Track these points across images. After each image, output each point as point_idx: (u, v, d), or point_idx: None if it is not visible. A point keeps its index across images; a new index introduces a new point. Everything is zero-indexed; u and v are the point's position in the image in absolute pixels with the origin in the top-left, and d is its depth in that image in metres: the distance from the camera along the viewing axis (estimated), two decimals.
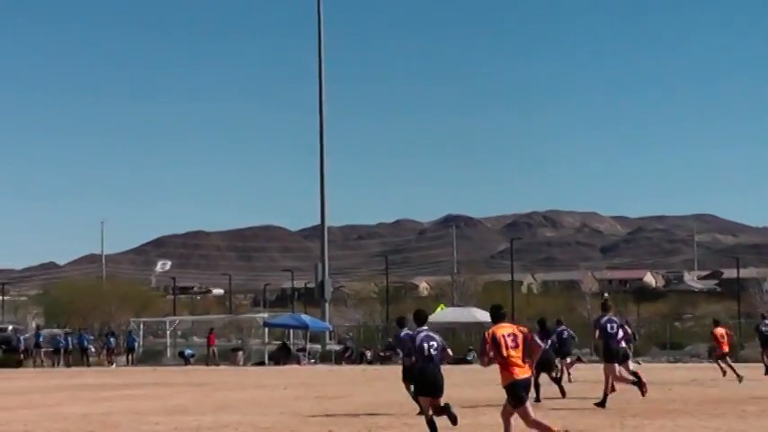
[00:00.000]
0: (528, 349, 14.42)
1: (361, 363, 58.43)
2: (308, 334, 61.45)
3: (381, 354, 58.53)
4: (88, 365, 60.77)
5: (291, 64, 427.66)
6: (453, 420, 15.59)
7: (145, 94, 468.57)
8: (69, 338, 64.79)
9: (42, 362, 61.30)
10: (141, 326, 69.63)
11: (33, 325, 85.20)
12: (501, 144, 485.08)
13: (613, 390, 23.61)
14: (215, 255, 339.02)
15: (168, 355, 65.22)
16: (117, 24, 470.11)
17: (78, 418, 22.51)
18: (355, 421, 20.63)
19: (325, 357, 60.89)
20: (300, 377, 39.00)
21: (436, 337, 15.87)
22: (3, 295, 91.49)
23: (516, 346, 14.27)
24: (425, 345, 15.69)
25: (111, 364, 60.13)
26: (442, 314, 62.74)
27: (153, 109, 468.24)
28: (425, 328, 16.00)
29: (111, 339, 61.97)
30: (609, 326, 23.26)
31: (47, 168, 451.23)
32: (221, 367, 56.33)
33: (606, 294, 26.45)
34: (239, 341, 66.58)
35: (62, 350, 62.90)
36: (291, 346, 61.46)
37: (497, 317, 14.80)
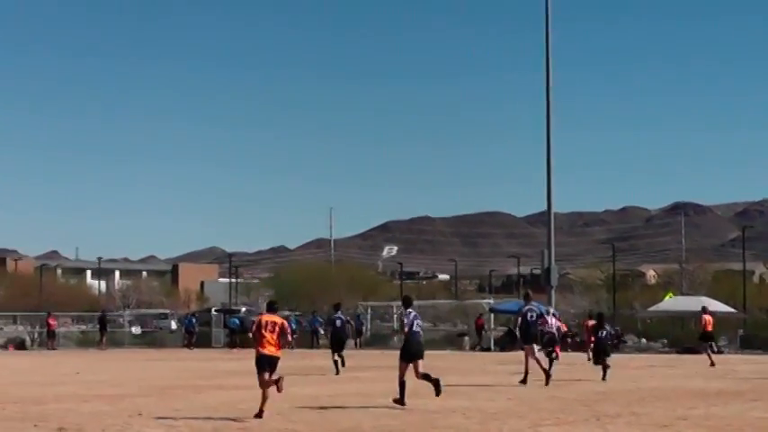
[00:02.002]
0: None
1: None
2: None
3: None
4: (318, 347, 62.17)
5: (519, 51, 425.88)
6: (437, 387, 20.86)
7: (367, 78, 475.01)
8: (298, 321, 66.58)
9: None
10: (369, 310, 70.66)
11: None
12: (733, 129, 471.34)
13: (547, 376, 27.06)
14: (440, 240, 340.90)
15: (395, 339, 65.99)
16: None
17: (309, 399, 23.01)
18: (583, 409, 20.42)
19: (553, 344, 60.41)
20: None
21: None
22: (236, 278, 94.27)
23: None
24: (415, 321, 21.12)
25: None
26: (671, 302, 61.48)
27: (380, 93, 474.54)
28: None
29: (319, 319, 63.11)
30: (529, 314, 28.49)
31: (279, 156, 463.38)
32: (446, 352, 56.61)
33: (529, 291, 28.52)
34: (465, 326, 66.81)
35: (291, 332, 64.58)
36: (517, 332, 61.27)
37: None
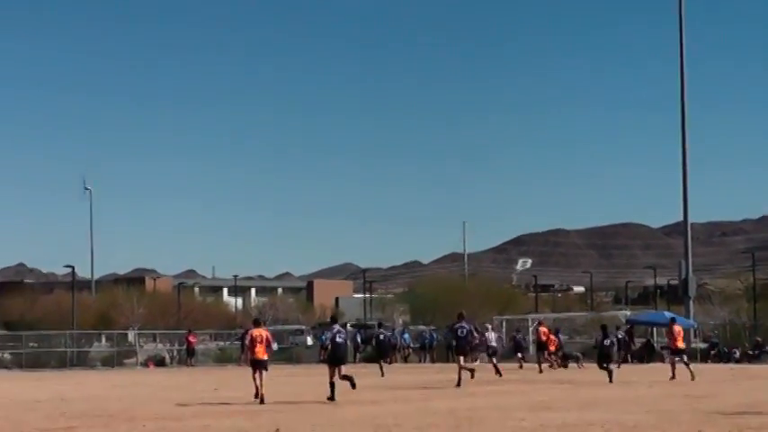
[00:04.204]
0: None
1: (728, 361, 56.70)
2: None
3: (749, 352, 56.60)
4: (454, 361, 62.03)
5: (650, 66, 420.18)
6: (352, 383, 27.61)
7: (495, 89, 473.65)
8: (435, 335, 66.57)
9: (405, 358, 63.07)
10: (503, 323, 70.32)
11: (400, 322, 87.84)
12: None
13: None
14: (575, 253, 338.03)
15: (531, 351, 65.51)
16: None
17: (446, 414, 22.95)
18: (725, 421, 19.99)
19: (690, 356, 59.39)
20: (665, 375, 38.19)
21: (343, 330, 28.53)
22: (371, 293, 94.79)
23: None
24: (337, 335, 27.70)
25: (476, 360, 61.07)
26: None
27: (506, 105, 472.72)
28: (337, 325, 28.33)
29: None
30: (459, 330, 34.74)
31: (411, 171, 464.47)
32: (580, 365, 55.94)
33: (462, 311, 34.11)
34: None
35: (427, 346, 64.63)
36: (655, 344, 60.34)
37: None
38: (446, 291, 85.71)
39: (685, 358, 38.50)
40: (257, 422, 21.55)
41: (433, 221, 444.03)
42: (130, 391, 35.32)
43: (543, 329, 51.05)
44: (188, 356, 65.31)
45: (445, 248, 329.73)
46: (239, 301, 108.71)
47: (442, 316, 77.92)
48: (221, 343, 74.19)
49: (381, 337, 48.93)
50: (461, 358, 35.10)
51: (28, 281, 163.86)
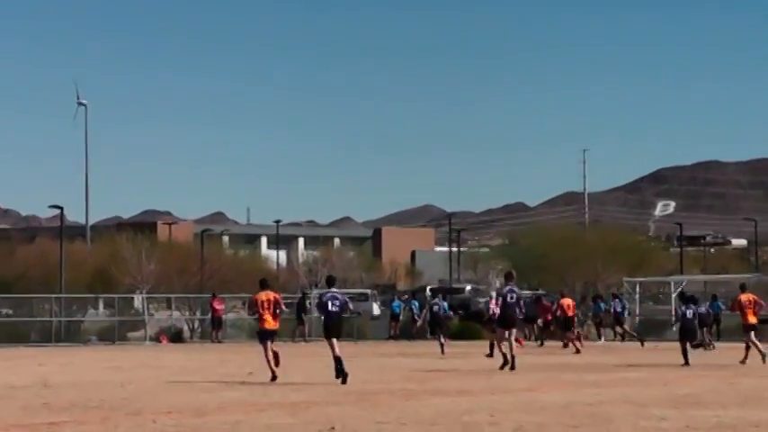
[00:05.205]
0: None
1: None
2: None
3: None
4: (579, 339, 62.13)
5: None
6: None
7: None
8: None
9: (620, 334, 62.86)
10: (637, 287, 69.91)
11: (497, 284, 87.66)
12: None
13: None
14: (734, 193, 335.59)
15: (673, 328, 65.06)
16: None
17: (558, 409, 22.79)
18: None
19: None
20: None
21: (338, 295, 30.47)
22: (458, 246, 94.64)
23: None
24: (329, 302, 29.98)
25: (600, 338, 60.86)
26: None
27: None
28: (333, 289, 30.49)
29: (602, 305, 62.52)
30: (509, 295, 35.40)
31: (508, 86, 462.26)
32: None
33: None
34: None
35: (531, 318, 64.37)
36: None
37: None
38: (558, 243, 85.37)
39: (752, 336, 39.85)
40: (304, 418, 21.51)
41: (541, 150, 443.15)
42: (136, 375, 35.52)
43: (567, 302, 53.71)
44: (213, 328, 65.60)
45: (559, 187, 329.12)
46: (282, 254, 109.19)
47: (554, 277, 77.64)
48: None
49: (435, 308, 53.73)
50: (509, 332, 36.08)
51: (2, 226, 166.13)
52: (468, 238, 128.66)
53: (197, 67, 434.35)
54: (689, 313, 39.51)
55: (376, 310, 77.87)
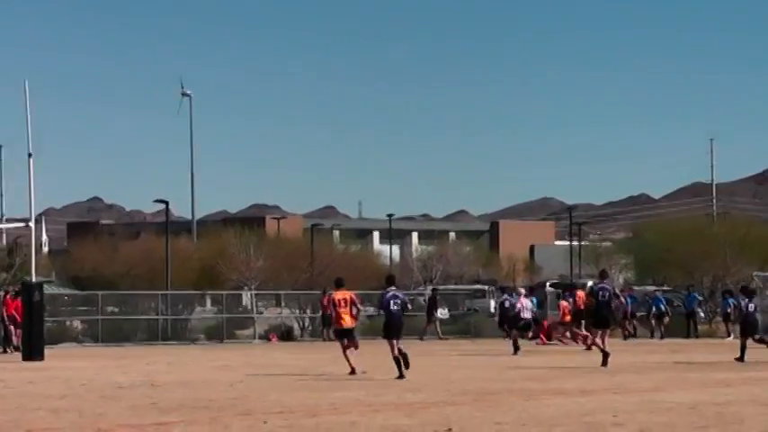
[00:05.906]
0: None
1: None
2: None
3: None
4: (696, 336, 61.66)
5: None
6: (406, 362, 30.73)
7: None
8: (669, 300, 65.98)
9: (631, 332, 62.54)
10: None
11: (620, 280, 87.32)
12: None
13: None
14: None
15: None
16: None
17: (685, 409, 22.72)
18: None
19: None
20: None
21: (399, 294, 31.83)
22: (579, 240, 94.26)
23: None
24: (391, 301, 31.24)
25: (729, 335, 60.29)
26: None
27: None
28: (393, 288, 31.85)
29: (731, 301, 61.98)
30: (601, 293, 36.26)
31: (627, 65, 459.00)
32: None
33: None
34: None
35: (655, 315, 63.98)
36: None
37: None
38: (684, 237, 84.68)
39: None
40: (421, 418, 21.63)
41: (665, 139, 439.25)
42: (245, 374, 35.81)
43: (580, 293, 53.33)
44: (324, 326, 65.79)
45: (685, 177, 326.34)
46: (395, 249, 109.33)
47: (681, 273, 77.05)
48: (371, 308, 74.56)
49: (507, 304, 54.39)
50: (603, 332, 36.98)
51: (105, 221, 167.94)
52: (590, 231, 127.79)
53: (306, 62, 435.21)
54: (751, 307, 39.89)
55: (493, 306, 77.76)
